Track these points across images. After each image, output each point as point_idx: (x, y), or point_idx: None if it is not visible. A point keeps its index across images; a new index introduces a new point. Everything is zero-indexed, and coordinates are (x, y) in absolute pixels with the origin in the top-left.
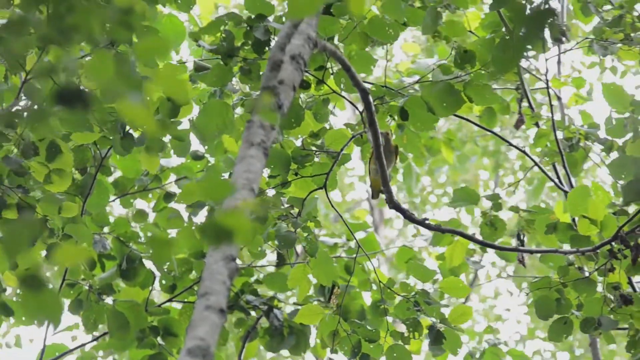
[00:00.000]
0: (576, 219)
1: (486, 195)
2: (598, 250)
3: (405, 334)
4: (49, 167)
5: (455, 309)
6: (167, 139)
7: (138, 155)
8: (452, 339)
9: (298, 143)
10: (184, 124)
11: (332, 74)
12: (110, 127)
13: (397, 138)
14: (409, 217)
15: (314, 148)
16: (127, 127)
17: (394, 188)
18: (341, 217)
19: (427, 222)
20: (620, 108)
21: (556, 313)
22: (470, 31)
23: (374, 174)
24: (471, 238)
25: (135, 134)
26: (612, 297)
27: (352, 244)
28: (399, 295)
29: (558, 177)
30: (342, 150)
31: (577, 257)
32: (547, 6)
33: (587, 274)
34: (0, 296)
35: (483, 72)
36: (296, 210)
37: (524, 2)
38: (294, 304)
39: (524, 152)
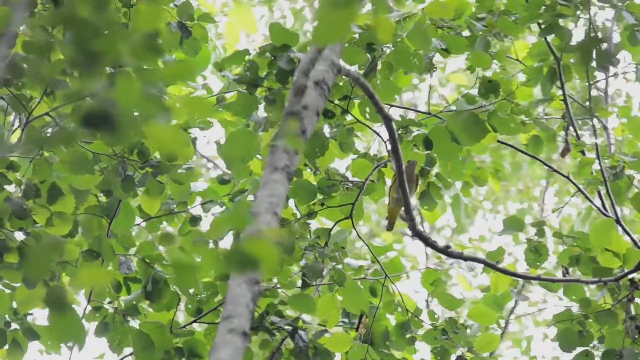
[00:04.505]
0: None
1: (532, 223)
2: (620, 282)
3: None
4: (50, 210)
5: (482, 337)
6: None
7: (163, 178)
8: None
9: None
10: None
11: (356, 101)
12: (111, 170)
13: (441, 165)
14: (431, 244)
15: (339, 178)
16: (127, 170)
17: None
18: (365, 243)
19: (449, 249)
20: None
21: (579, 345)
22: (518, 60)
23: (393, 203)
24: (493, 266)
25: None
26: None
27: (378, 266)
28: (426, 323)
29: (603, 205)
30: (367, 179)
31: (599, 289)
32: (594, 34)
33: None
34: (26, 320)
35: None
36: (323, 240)
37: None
38: (319, 324)
39: (568, 178)
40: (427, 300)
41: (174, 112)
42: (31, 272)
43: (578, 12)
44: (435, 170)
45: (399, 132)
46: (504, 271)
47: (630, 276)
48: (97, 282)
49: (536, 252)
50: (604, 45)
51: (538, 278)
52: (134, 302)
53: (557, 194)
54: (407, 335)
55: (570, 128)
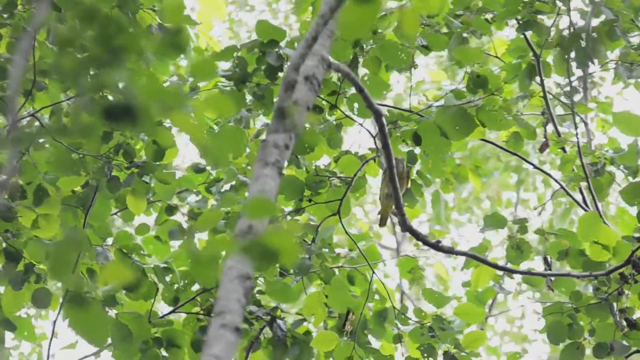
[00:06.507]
0: None
1: (514, 220)
2: (610, 275)
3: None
4: (36, 212)
5: (469, 334)
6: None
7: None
8: None
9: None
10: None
11: (345, 98)
12: (97, 171)
13: (422, 163)
14: (422, 239)
15: (327, 174)
16: (113, 171)
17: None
18: (348, 234)
19: (440, 244)
20: (633, 133)
21: (568, 338)
22: (496, 57)
23: (384, 199)
24: (484, 261)
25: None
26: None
27: (354, 254)
28: (413, 321)
29: (584, 201)
30: (355, 175)
31: (588, 281)
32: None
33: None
34: (1, 312)
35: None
36: (310, 237)
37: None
38: (297, 314)
39: (549, 175)
40: (402, 295)
41: (198, 107)
42: (55, 269)
43: (557, 7)
44: (417, 167)
45: (388, 127)
46: (495, 265)
47: (620, 269)
48: (121, 280)
49: (518, 249)
50: (583, 43)
51: (528, 272)
52: (112, 293)
53: (523, 203)
54: (394, 333)
55: (550, 124)
